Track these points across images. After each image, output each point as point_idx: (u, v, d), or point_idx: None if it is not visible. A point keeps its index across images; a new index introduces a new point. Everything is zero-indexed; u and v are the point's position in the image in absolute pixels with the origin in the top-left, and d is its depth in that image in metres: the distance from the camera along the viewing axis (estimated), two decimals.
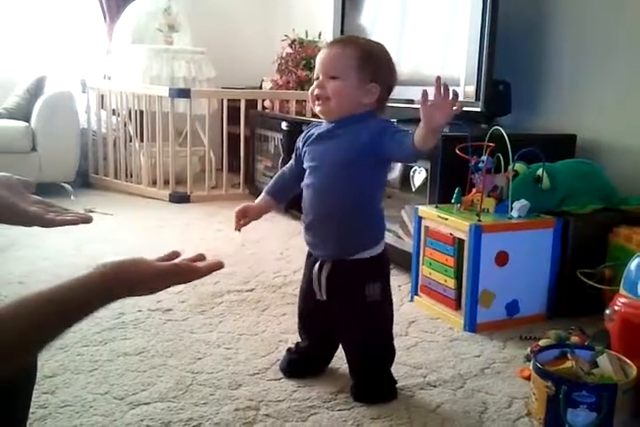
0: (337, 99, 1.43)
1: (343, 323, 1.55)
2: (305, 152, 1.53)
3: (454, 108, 1.26)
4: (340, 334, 1.58)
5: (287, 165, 1.63)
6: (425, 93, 1.27)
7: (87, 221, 1.02)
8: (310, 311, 1.62)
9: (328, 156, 1.47)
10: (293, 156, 1.60)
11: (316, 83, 1.46)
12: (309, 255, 1.59)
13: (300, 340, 1.68)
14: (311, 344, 1.64)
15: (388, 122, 1.47)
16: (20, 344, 0.77)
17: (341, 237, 1.49)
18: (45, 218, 0.99)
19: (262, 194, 1.63)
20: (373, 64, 1.44)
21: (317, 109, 1.48)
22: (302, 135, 1.58)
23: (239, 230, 1.58)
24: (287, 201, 1.65)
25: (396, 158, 1.56)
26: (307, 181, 1.52)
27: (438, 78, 1.26)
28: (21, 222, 0.99)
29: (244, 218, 1.57)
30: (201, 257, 0.96)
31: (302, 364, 1.64)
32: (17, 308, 0.76)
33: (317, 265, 1.52)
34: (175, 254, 0.96)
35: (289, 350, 1.68)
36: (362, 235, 1.49)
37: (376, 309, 1.52)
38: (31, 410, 1.11)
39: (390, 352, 1.58)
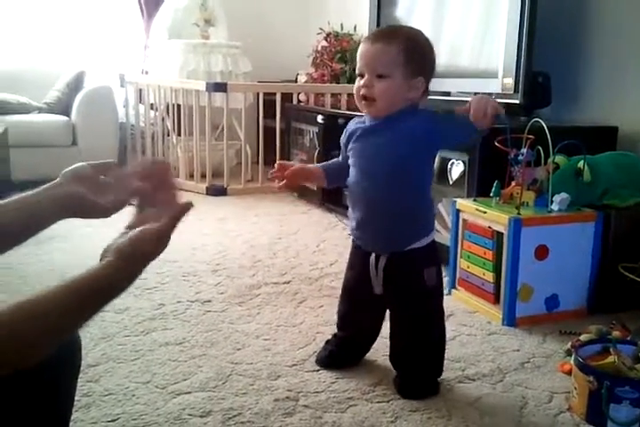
0: (385, 99, 1.40)
1: (401, 314, 1.54)
2: (350, 149, 1.51)
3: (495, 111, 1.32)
4: (394, 326, 1.56)
5: (339, 158, 1.61)
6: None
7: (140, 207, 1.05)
8: (359, 308, 1.61)
9: (380, 152, 1.44)
10: (341, 153, 1.59)
11: (361, 81, 1.42)
12: (357, 250, 1.57)
13: (337, 331, 1.69)
14: (351, 337, 1.64)
15: (431, 111, 1.47)
16: (55, 332, 0.81)
17: (396, 233, 1.48)
18: (120, 204, 1.02)
19: (316, 165, 1.62)
20: (418, 58, 1.41)
21: (365, 110, 1.46)
22: (345, 131, 1.55)
23: (272, 179, 1.56)
24: (333, 183, 1.61)
25: (459, 141, 1.54)
26: (355, 178, 1.49)
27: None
28: (95, 217, 1.02)
29: (286, 174, 1.52)
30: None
31: (340, 356, 1.64)
32: (45, 297, 0.79)
33: (372, 259, 1.50)
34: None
35: (327, 342, 1.69)
36: (416, 227, 1.49)
37: (435, 293, 1.53)
38: (76, 398, 1.14)
39: (442, 341, 1.57)
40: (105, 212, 1.01)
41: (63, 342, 0.87)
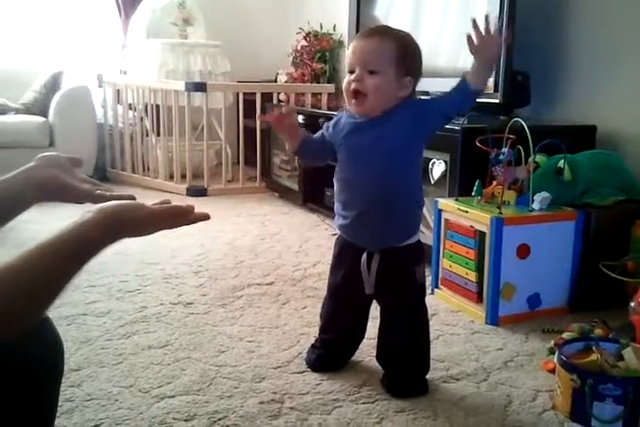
0: (376, 96, 1.39)
1: (393, 312, 1.53)
2: (341, 145, 1.48)
3: (503, 38, 1.30)
4: (386, 325, 1.56)
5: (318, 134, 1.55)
6: (469, 37, 1.33)
7: (132, 197, 1.03)
8: (348, 309, 1.60)
9: (375, 146, 1.42)
10: (322, 133, 1.53)
11: (352, 76, 1.40)
12: (346, 248, 1.54)
13: (321, 333, 1.68)
14: (337, 339, 1.64)
15: (418, 101, 1.48)
16: (29, 294, 0.78)
17: (392, 228, 1.47)
18: (96, 194, 1.01)
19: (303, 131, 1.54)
20: (410, 57, 1.41)
21: (355, 109, 1.43)
22: (336, 119, 1.51)
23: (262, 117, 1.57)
24: (302, 151, 1.52)
25: (458, 108, 1.51)
26: (347, 175, 1.48)
27: (474, 22, 1.30)
28: (74, 200, 1.02)
29: (283, 111, 1.47)
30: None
31: (330, 358, 1.63)
32: (18, 261, 0.78)
33: (364, 257, 1.48)
34: (167, 202, 0.97)
35: (313, 345, 1.68)
36: (409, 222, 1.50)
37: (421, 291, 1.55)
38: (58, 403, 1.12)
39: (427, 338, 1.58)
40: (83, 196, 1.01)
41: (38, 317, 0.85)
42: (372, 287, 1.50)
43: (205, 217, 0.96)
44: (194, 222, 0.95)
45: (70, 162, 1.05)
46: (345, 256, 1.55)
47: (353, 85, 1.40)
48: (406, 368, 1.54)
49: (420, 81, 1.47)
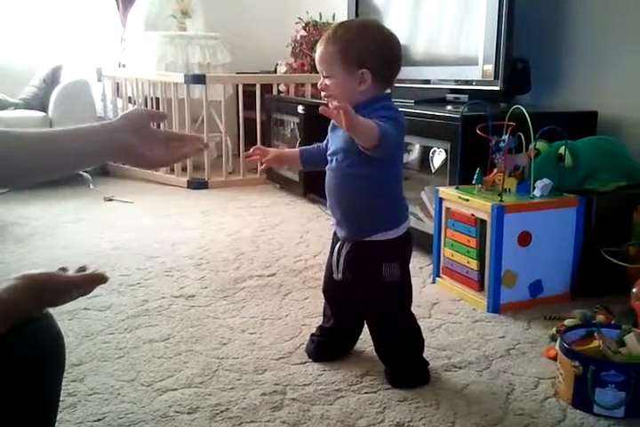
0: (340, 95, 1.43)
1: (363, 304, 1.56)
2: (327, 138, 1.56)
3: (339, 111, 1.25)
4: (363, 314, 1.59)
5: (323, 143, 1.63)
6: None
7: (206, 146, 1.16)
8: (333, 289, 1.63)
9: (339, 144, 1.49)
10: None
11: (319, 82, 1.50)
12: (334, 237, 1.60)
13: (322, 322, 1.69)
14: (335, 325, 1.64)
15: (383, 110, 1.43)
16: None
17: (355, 221, 1.51)
18: (172, 159, 1.11)
19: (295, 149, 1.67)
20: (355, 52, 1.42)
21: None
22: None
23: (248, 158, 1.64)
24: (308, 166, 1.65)
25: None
26: (327, 165, 1.54)
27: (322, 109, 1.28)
28: (149, 167, 1.13)
29: (265, 159, 1.60)
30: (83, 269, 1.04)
31: (329, 347, 1.64)
32: None
33: (338, 245, 1.54)
34: (83, 269, 1.04)
35: (313, 335, 1.69)
36: (375, 219, 1.50)
37: (393, 290, 1.52)
38: (60, 398, 1.12)
39: (413, 336, 1.57)
40: (152, 164, 1.09)
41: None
42: (338, 273, 1.54)
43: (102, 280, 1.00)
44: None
45: (154, 117, 1.10)
46: (333, 242, 1.60)
47: (322, 93, 1.49)
48: (398, 363, 1.54)
49: (394, 64, 1.47)
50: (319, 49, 1.47)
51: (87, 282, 0.97)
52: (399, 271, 1.50)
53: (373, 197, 1.48)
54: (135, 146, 1.03)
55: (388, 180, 1.50)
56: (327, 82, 1.46)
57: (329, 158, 1.53)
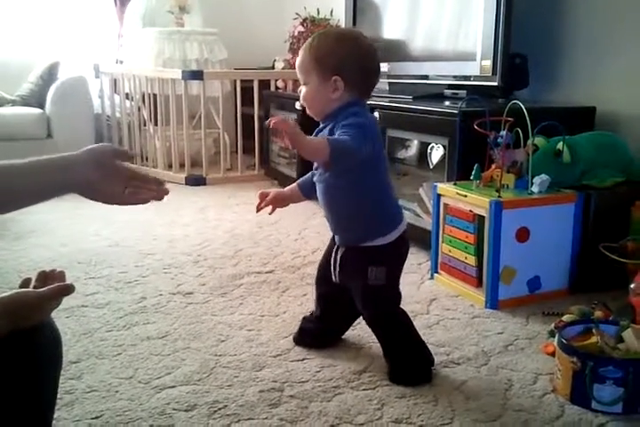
0: (310, 103, 1.49)
1: (359, 307, 1.58)
2: None
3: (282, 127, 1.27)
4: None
5: None
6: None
7: (165, 192, 1.14)
8: (322, 291, 1.68)
9: None
10: None
11: (298, 90, 1.52)
12: (332, 236, 1.62)
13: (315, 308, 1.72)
14: (325, 311, 1.68)
15: (352, 117, 1.42)
16: None
17: (345, 230, 1.55)
18: (129, 202, 1.07)
19: (293, 184, 1.68)
20: (329, 59, 1.43)
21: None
22: None
23: (258, 211, 1.64)
24: (311, 196, 1.64)
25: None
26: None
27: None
28: (105, 203, 1.06)
29: (266, 200, 1.63)
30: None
31: (315, 333, 1.68)
32: None
33: (334, 249, 1.58)
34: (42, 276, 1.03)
35: (304, 318, 1.74)
36: (361, 229, 1.51)
37: (380, 294, 1.53)
38: (58, 396, 1.12)
39: (405, 335, 1.56)
40: (108, 201, 1.05)
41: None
42: (335, 277, 1.58)
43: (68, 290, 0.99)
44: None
45: (116, 156, 1.07)
46: (330, 243, 1.63)
47: (300, 100, 1.52)
48: (395, 360, 1.54)
49: (369, 71, 1.48)
50: (298, 57, 1.50)
51: (57, 294, 0.96)
52: (385, 275, 1.51)
53: (355, 207, 1.50)
54: (93, 182, 1.01)
55: (368, 190, 1.49)
56: (304, 89, 1.49)
57: (316, 171, 1.54)
